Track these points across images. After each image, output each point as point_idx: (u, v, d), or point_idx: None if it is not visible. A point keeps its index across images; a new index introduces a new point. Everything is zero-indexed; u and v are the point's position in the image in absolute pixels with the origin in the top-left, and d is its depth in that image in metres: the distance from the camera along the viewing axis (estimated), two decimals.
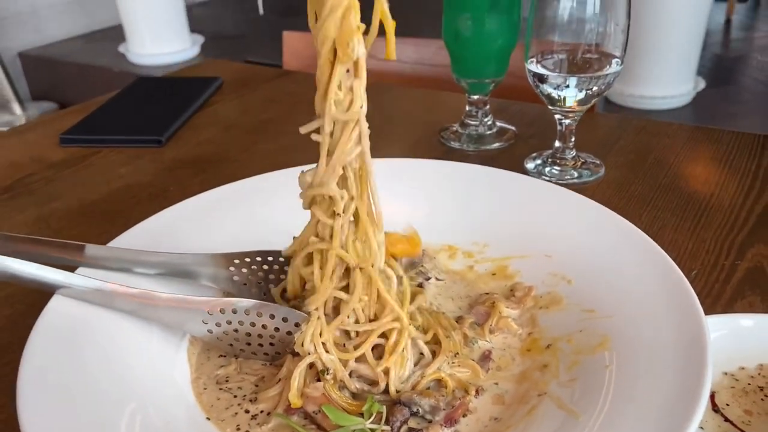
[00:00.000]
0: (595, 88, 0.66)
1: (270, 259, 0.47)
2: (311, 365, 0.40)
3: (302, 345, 0.40)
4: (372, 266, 0.39)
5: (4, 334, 0.52)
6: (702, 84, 2.39)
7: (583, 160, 0.74)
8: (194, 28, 3.35)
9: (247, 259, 0.47)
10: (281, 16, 3.89)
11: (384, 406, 0.38)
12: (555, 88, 0.67)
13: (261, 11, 3.94)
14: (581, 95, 0.66)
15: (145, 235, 0.51)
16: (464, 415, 0.38)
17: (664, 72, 2.30)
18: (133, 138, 0.84)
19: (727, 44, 3.07)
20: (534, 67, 0.68)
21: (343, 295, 0.40)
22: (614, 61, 0.67)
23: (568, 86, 0.66)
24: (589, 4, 0.65)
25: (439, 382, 0.41)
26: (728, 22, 3.32)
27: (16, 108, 3.11)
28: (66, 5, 3.56)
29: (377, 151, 0.81)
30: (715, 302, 0.52)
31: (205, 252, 0.48)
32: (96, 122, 0.89)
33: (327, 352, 0.39)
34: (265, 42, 3.37)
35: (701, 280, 0.55)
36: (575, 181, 0.72)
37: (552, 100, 0.69)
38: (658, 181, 0.71)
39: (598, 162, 0.75)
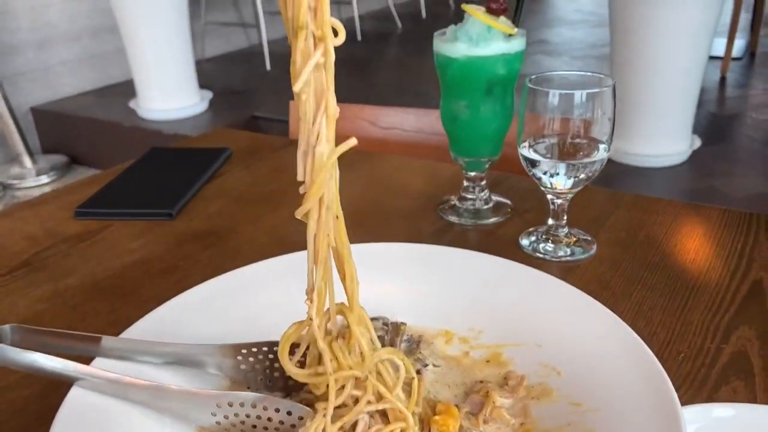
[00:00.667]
0: (582, 176, 0.70)
1: (275, 349, 0.50)
2: None
3: None
4: (370, 373, 0.42)
5: (22, 415, 0.54)
6: (698, 142, 2.45)
7: (576, 238, 0.77)
8: (203, 83, 3.45)
9: (254, 349, 0.50)
10: (287, 72, 4.00)
11: None
12: (545, 174, 0.71)
13: (268, 67, 4.06)
14: (570, 182, 0.70)
15: (156, 324, 0.53)
16: None
17: (661, 130, 2.36)
18: (144, 212, 0.88)
19: (722, 102, 3.15)
20: (526, 152, 0.72)
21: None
22: (602, 146, 0.71)
23: (558, 173, 0.70)
24: (577, 94, 0.69)
25: None
26: (723, 79, 3.41)
27: (27, 161, 3.19)
28: (78, 62, 3.68)
29: (378, 225, 0.85)
30: (701, 387, 0.55)
31: (213, 340, 0.51)
32: (109, 195, 0.93)
33: None
34: (272, 97, 3.47)
35: (688, 363, 0.57)
36: (568, 258, 0.75)
37: (543, 183, 0.73)
38: (648, 260, 0.74)
39: (590, 239, 0.78)
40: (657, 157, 2.38)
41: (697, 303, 0.66)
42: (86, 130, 3.26)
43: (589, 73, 0.73)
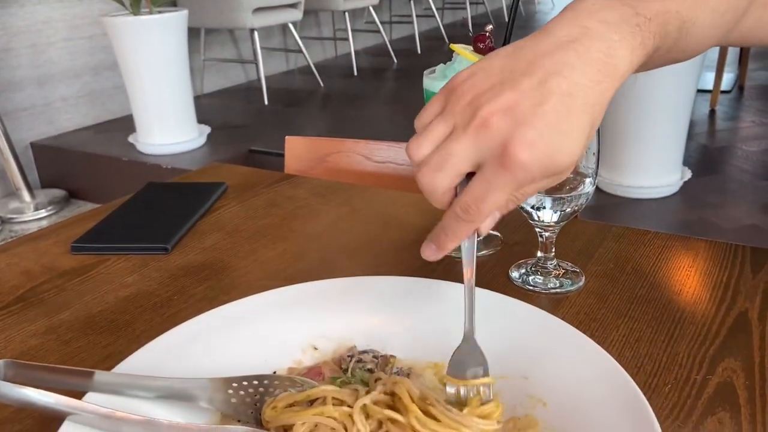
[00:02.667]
0: (569, 209, 0.72)
1: (266, 382, 0.51)
2: None
3: None
4: None
5: None
6: (688, 174, 2.48)
7: (564, 270, 0.79)
8: (201, 118, 3.50)
9: (244, 383, 0.51)
10: (285, 106, 4.06)
11: None
12: (532, 207, 0.72)
13: (266, 102, 4.12)
14: (556, 216, 0.72)
15: (148, 358, 0.54)
16: None
17: (651, 162, 2.39)
18: (140, 246, 0.89)
19: (712, 134, 3.20)
20: None
21: None
22: (587, 180, 0.73)
23: (544, 207, 0.71)
24: None
25: None
26: (713, 112, 3.47)
27: (26, 196, 3.21)
28: (78, 98, 3.74)
29: (371, 258, 0.87)
30: (687, 418, 0.55)
31: (205, 374, 0.51)
32: (105, 230, 0.94)
33: None
34: (269, 131, 3.51)
35: (674, 394, 0.58)
36: (558, 290, 0.76)
37: (531, 216, 0.74)
38: (635, 292, 0.75)
39: (578, 270, 0.79)
40: (648, 188, 2.40)
41: (684, 334, 0.67)
42: (85, 165, 3.29)
43: None
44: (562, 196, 0.72)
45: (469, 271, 0.51)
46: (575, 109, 0.41)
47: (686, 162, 2.50)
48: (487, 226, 0.48)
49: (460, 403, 0.49)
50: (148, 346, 0.56)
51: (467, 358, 0.51)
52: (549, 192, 0.72)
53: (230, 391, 0.50)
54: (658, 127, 2.35)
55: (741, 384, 0.59)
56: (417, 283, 0.65)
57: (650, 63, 0.48)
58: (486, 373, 0.50)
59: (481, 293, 0.63)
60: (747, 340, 0.65)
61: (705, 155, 2.86)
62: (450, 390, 0.50)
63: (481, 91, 0.42)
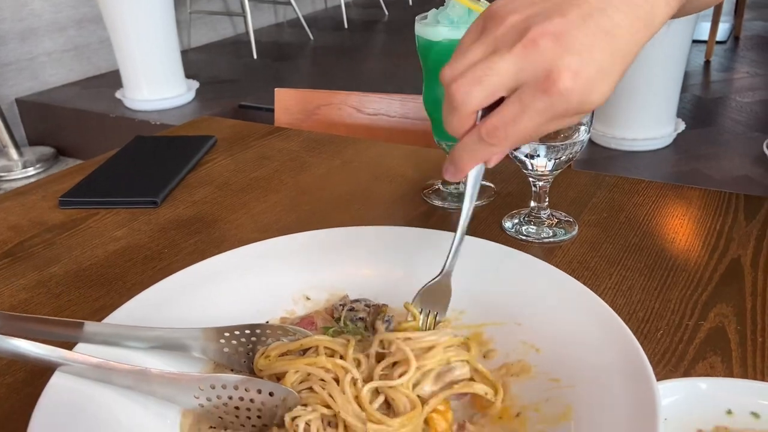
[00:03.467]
0: (563, 157, 0.70)
1: (258, 331, 0.51)
2: None
3: (293, 420, 0.43)
4: None
5: (6, 403, 0.54)
6: (682, 126, 2.47)
7: (557, 219, 0.78)
8: (189, 73, 3.43)
9: (237, 332, 0.50)
10: (274, 60, 3.99)
11: None
12: (526, 156, 0.71)
13: (255, 56, 4.03)
14: (551, 164, 0.71)
15: (139, 309, 0.54)
16: None
17: (645, 115, 2.37)
18: (129, 200, 0.88)
19: (706, 86, 3.17)
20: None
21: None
22: (582, 128, 0.72)
23: (538, 155, 0.70)
24: None
25: None
26: (707, 63, 3.43)
27: (13, 153, 3.16)
28: (63, 52, 3.65)
29: (364, 210, 0.86)
30: (678, 363, 0.56)
31: (197, 324, 0.51)
32: (94, 184, 0.93)
33: None
34: (258, 86, 3.45)
35: (666, 340, 0.58)
36: (551, 239, 0.76)
37: (525, 166, 0.73)
38: (628, 241, 0.75)
39: (571, 220, 0.79)
40: (642, 140, 2.39)
41: (676, 282, 0.67)
42: (72, 121, 3.23)
43: None
44: (557, 144, 0.71)
45: (468, 203, 0.51)
46: (616, 51, 0.40)
47: (680, 114, 2.48)
48: (499, 157, 0.47)
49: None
50: (138, 297, 0.55)
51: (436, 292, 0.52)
52: (543, 140, 0.71)
53: (222, 341, 0.50)
54: (652, 78, 2.32)
55: (732, 329, 0.59)
56: (410, 232, 0.65)
57: (673, 16, 0.47)
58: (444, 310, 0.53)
59: (474, 241, 0.62)
60: (739, 287, 0.65)
61: (699, 107, 2.84)
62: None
63: (527, 15, 0.40)
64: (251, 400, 0.44)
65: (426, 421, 0.45)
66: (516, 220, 0.80)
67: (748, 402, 0.48)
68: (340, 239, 0.63)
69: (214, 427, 0.46)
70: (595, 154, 2.40)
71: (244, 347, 0.51)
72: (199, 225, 0.84)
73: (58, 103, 3.32)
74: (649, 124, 2.36)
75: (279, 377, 0.47)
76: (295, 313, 0.58)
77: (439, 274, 0.53)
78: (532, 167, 0.72)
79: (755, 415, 0.47)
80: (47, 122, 3.33)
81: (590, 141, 2.54)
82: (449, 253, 0.52)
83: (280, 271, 0.60)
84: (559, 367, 0.47)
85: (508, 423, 0.45)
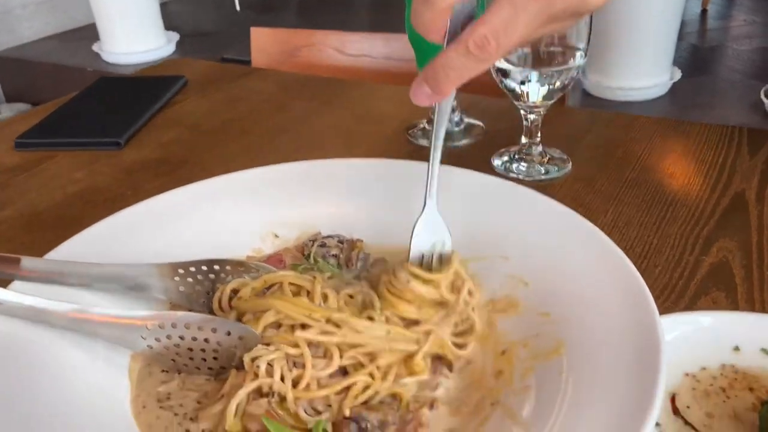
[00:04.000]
0: (558, 83, 0.65)
1: (216, 268, 0.46)
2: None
3: (252, 361, 0.38)
4: None
5: None
6: (678, 74, 2.39)
7: (550, 156, 0.73)
8: (169, 25, 3.30)
9: (192, 269, 0.45)
10: (258, 13, 3.85)
11: (329, 423, 0.36)
12: (518, 83, 0.66)
13: (237, 8, 3.89)
14: (544, 90, 0.65)
15: (87, 245, 0.49)
16: (416, 431, 0.37)
17: (641, 63, 2.30)
18: (90, 141, 0.82)
19: (703, 34, 3.08)
20: (497, 62, 0.67)
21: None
22: (578, 53, 0.66)
23: (530, 81, 0.65)
24: None
25: (394, 396, 0.39)
26: (704, 12, 3.33)
27: None
28: (39, 5, 3.50)
29: (345, 152, 0.80)
30: (678, 299, 0.51)
31: (155, 261, 0.46)
32: (53, 125, 0.86)
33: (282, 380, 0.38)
34: (242, 39, 3.32)
35: (665, 276, 0.54)
36: (542, 177, 0.71)
37: (516, 95, 0.68)
38: (625, 176, 0.70)
39: (565, 157, 0.74)
40: (637, 90, 2.32)
41: (676, 216, 0.62)
42: (49, 76, 3.12)
43: None
44: (551, 69, 0.65)
45: (441, 132, 0.45)
46: None
47: (676, 62, 2.41)
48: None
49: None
50: (86, 231, 0.50)
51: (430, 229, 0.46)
52: (536, 66, 0.65)
53: (177, 279, 0.45)
54: (648, 27, 2.24)
55: (737, 264, 0.55)
56: (386, 165, 0.59)
57: None
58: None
59: (459, 172, 0.57)
60: (744, 221, 0.61)
61: (695, 55, 2.76)
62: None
63: None
64: (206, 341, 0.39)
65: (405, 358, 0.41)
66: (506, 158, 0.74)
67: (757, 337, 0.43)
68: (312, 172, 0.58)
69: (167, 371, 0.42)
70: (588, 103, 2.33)
71: (202, 285, 0.46)
72: (165, 167, 0.78)
73: (34, 57, 3.20)
74: (645, 73, 2.29)
75: (239, 316, 0.43)
76: (263, 251, 0.53)
77: (423, 209, 0.47)
78: (524, 96, 0.67)
79: (765, 351, 0.43)
80: (23, 77, 3.22)
81: (584, 92, 2.47)
82: (427, 183, 0.47)
83: (247, 206, 0.55)
84: (549, 300, 0.42)
85: (494, 361, 0.41)
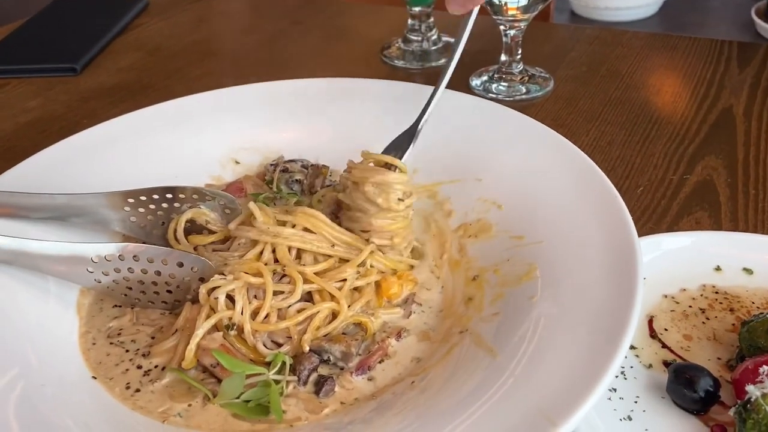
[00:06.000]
0: None
1: (169, 196, 0.42)
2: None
3: (209, 293, 0.36)
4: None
5: None
6: None
7: (530, 75, 0.69)
8: None
9: (143, 197, 0.42)
10: None
11: (290, 356, 0.34)
12: None
13: None
14: (524, 1, 0.61)
15: (33, 174, 0.45)
16: (381, 361, 0.35)
17: None
18: (44, 67, 0.77)
19: None
20: None
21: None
22: None
23: None
24: None
25: (360, 325, 0.37)
26: None
27: None
28: None
29: (318, 72, 0.76)
30: (660, 220, 0.49)
31: (108, 191, 0.42)
32: (3, 51, 0.81)
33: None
34: None
35: (647, 196, 0.52)
36: (523, 97, 0.68)
37: (494, 8, 0.63)
38: (609, 95, 0.67)
39: (547, 76, 0.70)
40: (625, 10, 2.25)
41: (660, 134, 0.59)
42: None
43: None
44: None
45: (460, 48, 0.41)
46: None
47: None
48: None
49: None
50: (33, 159, 0.46)
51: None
52: None
53: (128, 209, 0.42)
54: None
55: (722, 182, 0.53)
56: (355, 84, 0.55)
57: None
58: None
59: (424, 90, 0.53)
60: (730, 137, 0.58)
61: None
62: None
63: None
64: (157, 273, 0.37)
65: (379, 283, 0.39)
66: (485, 78, 0.71)
67: (739, 256, 0.41)
68: (276, 94, 0.54)
69: (120, 306, 0.39)
70: (576, 23, 2.26)
71: (155, 216, 0.43)
72: (124, 93, 0.74)
73: None
74: None
75: (196, 247, 0.40)
76: (222, 179, 0.50)
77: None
78: (503, 7, 0.62)
79: (748, 270, 0.41)
80: None
81: (571, 12, 2.38)
82: (428, 104, 0.43)
83: (206, 130, 0.51)
84: (523, 223, 0.40)
85: (465, 287, 0.39)
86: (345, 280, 0.38)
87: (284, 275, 0.38)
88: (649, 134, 0.60)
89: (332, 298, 0.37)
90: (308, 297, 0.38)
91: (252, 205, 0.39)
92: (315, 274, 0.38)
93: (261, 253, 0.38)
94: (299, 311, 0.36)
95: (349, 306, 0.37)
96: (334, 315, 0.37)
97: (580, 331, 0.31)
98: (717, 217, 0.49)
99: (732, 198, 0.51)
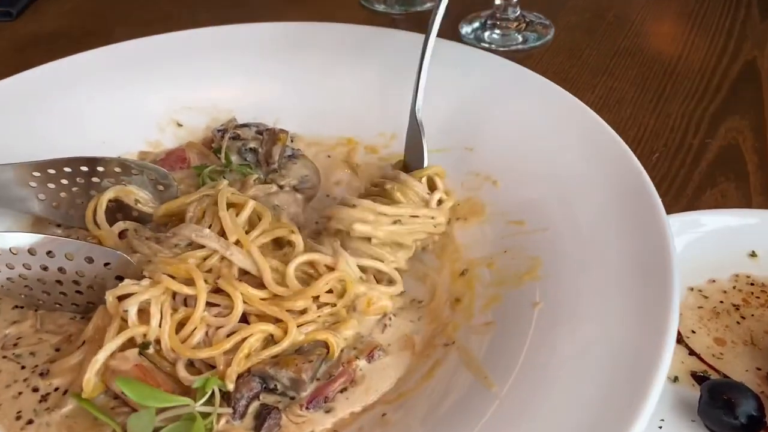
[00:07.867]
0: None
1: (85, 169, 0.34)
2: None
3: (118, 301, 0.28)
4: None
5: None
6: None
7: (528, 21, 0.61)
8: None
9: (51, 171, 0.34)
10: None
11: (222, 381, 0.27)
12: None
13: None
14: None
15: None
16: (344, 389, 0.28)
17: None
18: None
19: None
20: None
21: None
22: None
23: None
24: None
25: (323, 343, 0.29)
26: None
27: None
28: None
29: (286, 16, 0.67)
30: (679, 193, 0.42)
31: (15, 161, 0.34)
32: None
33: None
34: None
35: (664, 164, 0.45)
36: (519, 47, 0.60)
37: None
38: (616, 44, 0.59)
39: (547, 23, 0.62)
40: None
41: (676, 91, 0.52)
42: None
43: None
44: None
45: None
46: None
47: None
48: None
49: None
50: None
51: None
52: None
53: (33, 184, 0.34)
54: None
55: (749, 147, 0.46)
56: (327, 29, 0.46)
57: None
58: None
59: (419, 40, 0.44)
60: (756, 95, 0.51)
61: None
62: None
63: None
64: (60, 270, 0.29)
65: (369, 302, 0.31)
66: (476, 24, 0.63)
67: None
68: (227, 40, 0.45)
69: (21, 307, 0.32)
70: None
71: (69, 193, 0.35)
72: (65, 41, 0.65)
73: None
74: None
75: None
76: (162, 145, 0.41)
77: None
78: None
79: None
80: None
81: None
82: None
83: (141, 84, 0.43)
84: (523, 204, 0.32)
85: (451, 283, 0.31)
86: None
87: (219, 290, 0.29)
88: (664, 91, 0.52)
89: (276, 320, 0.29)
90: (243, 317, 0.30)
91: (223, 214, 0.31)
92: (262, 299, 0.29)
93: (205, 259, 0.30)
94: (229, 335, 0.28)
95: (300, 325, 0.29)
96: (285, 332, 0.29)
97: (598, 352, 0.24)
98: (745, 190, 0.42)
99: (762, 167, 0.44)
